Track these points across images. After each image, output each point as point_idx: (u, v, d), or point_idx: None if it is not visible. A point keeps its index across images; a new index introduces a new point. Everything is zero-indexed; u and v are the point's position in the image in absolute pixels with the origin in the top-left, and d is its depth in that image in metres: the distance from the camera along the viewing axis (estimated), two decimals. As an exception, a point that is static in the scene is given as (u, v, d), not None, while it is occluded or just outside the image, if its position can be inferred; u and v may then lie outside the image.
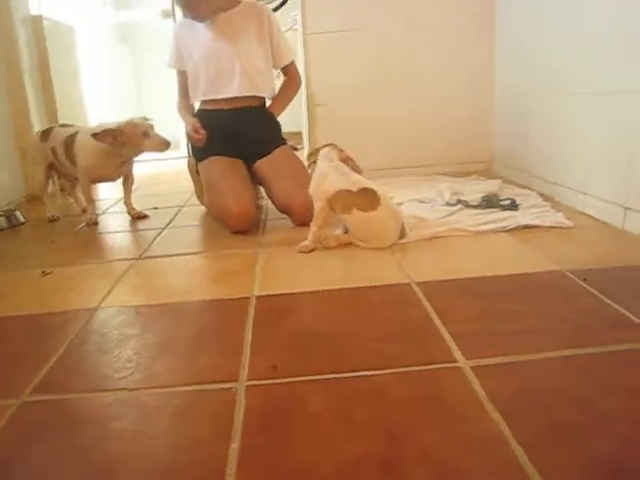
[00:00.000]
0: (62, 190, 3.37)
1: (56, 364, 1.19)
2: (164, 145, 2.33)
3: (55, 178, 2.99)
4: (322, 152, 1.94)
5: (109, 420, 0.98)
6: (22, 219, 2.66)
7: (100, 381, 1.11)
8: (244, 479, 0.80)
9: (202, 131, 2.23)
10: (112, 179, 2.58)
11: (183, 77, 2.43)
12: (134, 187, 2.62)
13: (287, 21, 3.55)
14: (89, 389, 1.09)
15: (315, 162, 1.93)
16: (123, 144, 2.31)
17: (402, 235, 1.87)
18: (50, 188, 2.90)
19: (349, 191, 1.81)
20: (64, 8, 4.14)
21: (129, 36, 5.70)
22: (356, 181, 1.84)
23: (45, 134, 2.65)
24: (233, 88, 2.28)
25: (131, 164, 2.55)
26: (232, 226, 2.13)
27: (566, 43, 2.19)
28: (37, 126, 3.28)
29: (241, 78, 2.27)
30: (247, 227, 2.12)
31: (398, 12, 2.94)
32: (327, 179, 1.85)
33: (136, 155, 2.42)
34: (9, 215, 2.63)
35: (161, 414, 0.99)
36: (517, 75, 2.72)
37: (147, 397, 1.04)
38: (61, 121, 3.28)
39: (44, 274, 1.80)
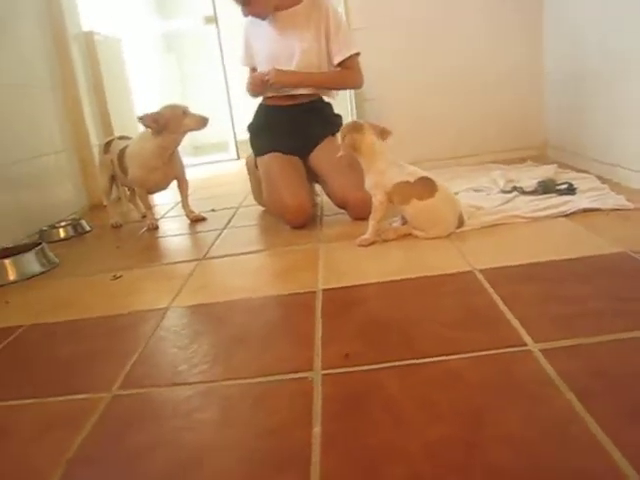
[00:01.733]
0: (119, 199, 3.50)
1: (138, 361, 1.25)
2: (203, 121, 2.39)
3: (120, 187, 3.10)
4: (371, 145, 1.90)
5: (193, 411, 1.03)
6: (87, 227, 2.78)
7: (180, 375, 1.17)
8: (329, 461, 0.84)
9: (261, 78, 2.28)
10: (163, 186, 2.65)
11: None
12: (189, 191, 2.69)
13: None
14: (171, 383, 1.14)
15: (350, 144, 1.89)
16: (165, 127, 2.37)
17: (460, 223, 1.87)
18: (113, 196, 3.02)
19: (407, 182, 1.83)
20: (112, 22, 4.29)
21: (174, 44, 5.85)
22: (413, 172, 1.86)
23: (107, 146, 2.78)
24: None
25: (182, 167, 2.62)
26: (289, 220, 2.18)
27: (625, 25, 2.14)
28: (94, 139, 3.42)
29: None
30: (304, 221, 2.17)
31: (442, 3, 2.93)
32: (385, 175, 1.87)
33: (179, 138, 2.44)
34: (75, 224, 2.75)
35: (241, 404, 1.04)
36: (570, 59, 2.67)
37: (226, 389, 1.09)
38: (116, 132, 3.41)
39: (114, 278, 1.89)
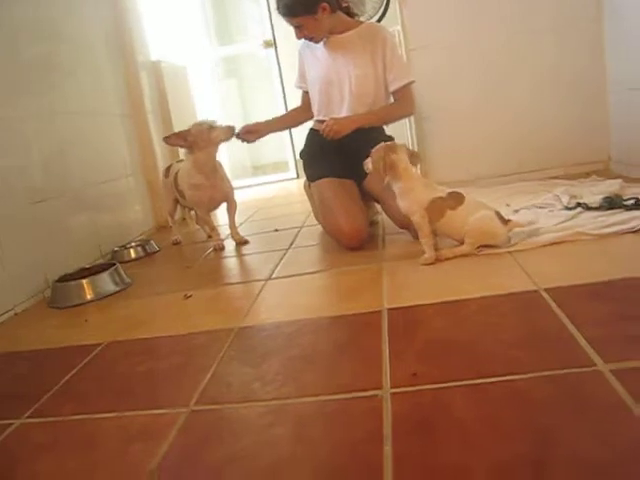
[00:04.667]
0: (184, 219, 3.64)
1: (212, 378, 1.31)
2: (230, 130, 2.46)
3: (183, 209, 3.24)
4: (407, 165, 1.95)
5: (267, 427, 1.07)
6: (156, 247, 2.90)
7: (253, 392, 1.21)
8: (402, 478, 0.86)
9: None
10: (214, 205, 2.72)
11: (306, 96, 2.56)
12: (238, 212, 2.77)
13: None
14: (244, 399, 1.19)
15: (388, 171, 1.94)
16: (194, 143, 2.47)
17: (503, 222, 1.89)
18: (177, 217, 3.16)
19: (440, 197, 1.91)
20: (177, 50, 4.48)
21: (235, 69, 6.02)
22: (442, 189, 1.95)
23: (167, 170, 2.93)
24: (343, 111, 2.36)
25: (229, 187, 2.69)
26: (345, 244, 2.22)
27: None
28: (161, 162, 3.57)
29: (351, 103, 2.35)
30: (359, 244, 2.20)
31: (500, 20, 2.94)
32: (415, 192, 1.93)
33: (212, 151, 2.51)
34: (145, 244, 2.88)
35: (314, 421, 1.07)
36: (633, 71, 2.62)
37: (298, 406, 1.13)
38: (181, 156, 3.54)
39: (186, 297, 1.97)
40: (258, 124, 2.51)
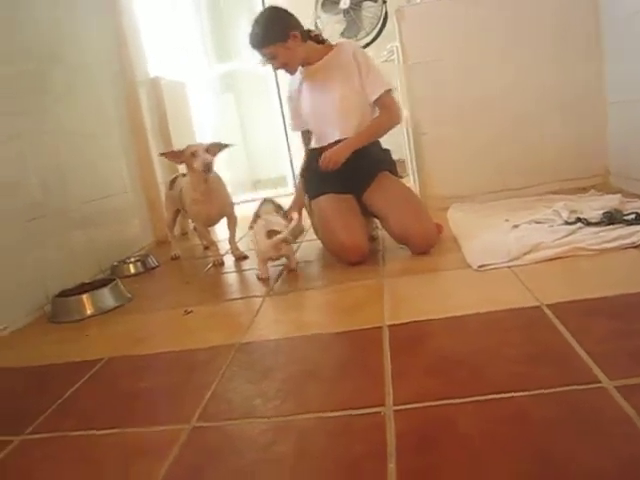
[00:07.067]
0: (184, 234, 3.64)
1: (213, 394, 1.30)
2: (204, 166, 2.42)
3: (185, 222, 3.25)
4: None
5: (270, 444, 1.07)
6: (156, 262, 2.90)
7: (255, 409, 1.21)
8: (406, 497, 0.86)
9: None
10: (213, 220, 2.76)
11: (306, 136, 2.61)
12: (238, 227, 2.78)
13: (382, 54, 3.65)
14: (246, 416, 1.19)
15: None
16: (183, 162, 2.54)
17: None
18: (176, 233, 3.16)
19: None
20: (176, 67, 4.51)
21: (233, 84, 6.06)
22: None
23: (172, 183, 2.95)
24: (337, 134, 2.38)
25: (229, 203, 2.72)
26: (346, 259, 2.22)
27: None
28: (160, 177, 3.57)
29: (340, 123, 2.38)
30: (361, 259, 2.20)
31: (498, 36, 2.97)
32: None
33: (199, 174, 2.49)
34: (144, 260, 2.87)
35: (317, 438, 1.07)
36: (632, 84, 2.63)
37: (300, 422, 1.13)
38: (180, 171, 3.55)
39: (186, 313, 1.96)
40: (294, 207, 2.59)
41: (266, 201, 2.52)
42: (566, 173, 3.00)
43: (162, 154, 2.63)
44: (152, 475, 1.02)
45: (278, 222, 2.26)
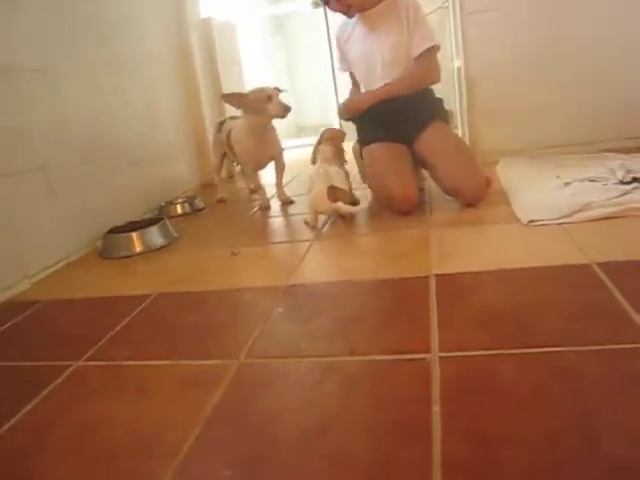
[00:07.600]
0: (230, 177, 3.67)
1: (261, 333, 1.34)
2: (284, 110, 2.44)
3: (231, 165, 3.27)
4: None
5: (316, 383, 1.09)
6: (202, 204, 2.94)
7: (302, 349, 1.24)
8: (449, 440, 0.87)
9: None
10: (262, 164, 2.77)
11: (354, 77, 2.58)
12: (286, 174, 2.79)
13: (436, 0, 3.53)
14: (294, 355, 1.21)
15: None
16: (247, 107, 2.50)
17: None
18: (223, 175, 3.19)
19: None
20: (227, 8, 4.45)
21: (283, 27, 5.97)
22: None
23: (219, 125, 2.96)
24: (381, 81, 2.35)
25: (279, 148, 2.71)
26: (396, 208, 2.21)
27: None
28: (208, 119, 3.58)
29: (385, 71, 2.34)
30: (410, 209, 2.19)
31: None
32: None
33: (264, 120, 2.52)
34: (191, 201, 2.92)
35: (362, 379, 1.09)
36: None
37: (347, 364, 1.15)
38: (228, 114, 3.55)
39: (233, 254, 1.99)
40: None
41: (327, 131, 2.50)
42: (624, 131, 2.89)
43: (224, 96, 2.58)
44: (203, 405, 1.06)
45: (339, 176, 2.23)
